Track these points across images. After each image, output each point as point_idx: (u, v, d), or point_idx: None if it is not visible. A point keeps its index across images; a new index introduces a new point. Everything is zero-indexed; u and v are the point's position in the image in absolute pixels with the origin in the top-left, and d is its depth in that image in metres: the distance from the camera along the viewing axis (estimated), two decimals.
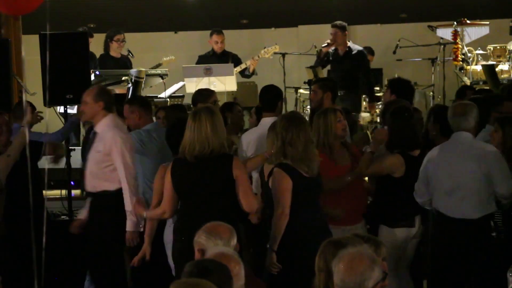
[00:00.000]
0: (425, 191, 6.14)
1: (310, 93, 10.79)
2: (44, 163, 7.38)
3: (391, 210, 6.46)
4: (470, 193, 5.97)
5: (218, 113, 5.60)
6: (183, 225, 5.54)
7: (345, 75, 10.56)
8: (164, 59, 11.18)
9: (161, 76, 10.87)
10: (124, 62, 11.15)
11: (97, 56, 11.20)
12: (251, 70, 11.04)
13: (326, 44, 10.75)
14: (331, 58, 10.85)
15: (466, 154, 6.00)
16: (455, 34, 11.69)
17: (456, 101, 7.85)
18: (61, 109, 9.75)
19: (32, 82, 9.03)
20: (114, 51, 11.17)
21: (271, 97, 7.13)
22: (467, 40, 11.86)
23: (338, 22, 10.82)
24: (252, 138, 6.97)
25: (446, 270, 6.07)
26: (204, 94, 7.91)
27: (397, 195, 6.43)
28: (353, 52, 10.72)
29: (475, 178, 5.96)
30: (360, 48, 10.85)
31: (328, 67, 11.25)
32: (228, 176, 5.49)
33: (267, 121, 6.80)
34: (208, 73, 9.84)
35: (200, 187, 5.51)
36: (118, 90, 10.27)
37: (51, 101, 8.45)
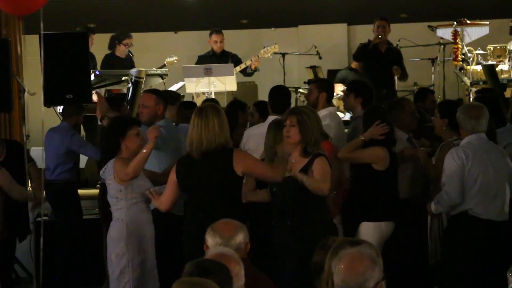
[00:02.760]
0: (459, 195, 6.04)
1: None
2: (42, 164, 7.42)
3: (373, 204, 6.45)
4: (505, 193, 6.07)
5: (222, 110, 5.67)
6: (192, 223, 5.57)
7: (386, 73, 10.39)
8: (168, 59, 11.18)
9: (161, 76, 10.88)
10: (129, 62, 11.16)
11: (96, 56, 11.19)
12: (253, 68, 11.03)
13: (380, 36, 10.44)
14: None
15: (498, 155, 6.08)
16: (455, 34, 11.68)
17: (417, 104, 7.92)
18: (60, 109, 9.77)
19: (32, 82, 9.02)
20: (120, 52, 11.19)
21: (284, 99, 7.18)
22: (467, 40, 11.85)
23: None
24: (254, 133, 7.01)
25: (477, 274, 6.00)
26: (174, 97, 7.97)
27: (379, 189, 6.42)
28: (392, 50, 10.61)
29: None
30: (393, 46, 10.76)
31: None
32: (232, 170, 5.51)
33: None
34: (208, 73, 9.84)
35: (205, 183, 5.52)
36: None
37: (49, 101, 8.48)
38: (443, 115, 6.72)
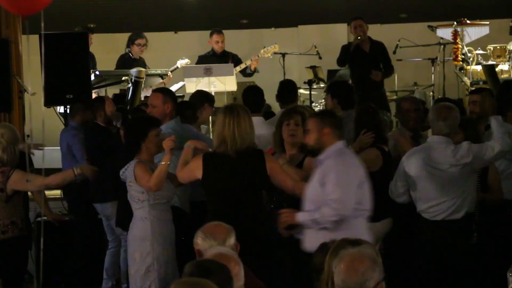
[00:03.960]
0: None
1: (310, 93, 10.86)
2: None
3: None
4: None
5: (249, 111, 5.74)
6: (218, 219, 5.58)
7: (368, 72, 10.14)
8: (180, 62, 11.17)
9: (161, 76, 10.88)
10: (143, 63, 11.15)
11: (96, 56, 11.19)
12: (252, 68, 11.03)
13: (359, 37, 10.21)
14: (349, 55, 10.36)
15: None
16: (455, 34, 11.68)
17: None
18: (61, 109, 9.77)
19: (32, 82, 9.02)
20: (135, 53, 11.19)
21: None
22: (467, 40, 11.86)
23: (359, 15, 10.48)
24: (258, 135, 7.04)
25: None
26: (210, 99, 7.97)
27: (375, 188, 6.43)
28: (376, 45, 10.38)
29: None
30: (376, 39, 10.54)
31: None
32: (264, 170, 5.55)
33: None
34: (208, 73, 9.82)
35: (237, 181, 5.55)
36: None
37: (50, 101, 8.49)
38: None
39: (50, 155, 8.44)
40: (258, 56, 11.06)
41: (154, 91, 7.51)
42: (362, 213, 5.40)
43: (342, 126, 6.01)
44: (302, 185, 5.58)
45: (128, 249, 6.14)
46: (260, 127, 6.88)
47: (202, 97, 7.86)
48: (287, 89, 7.68)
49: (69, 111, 8.71)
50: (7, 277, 6.37)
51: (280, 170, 5.67)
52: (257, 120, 6.96)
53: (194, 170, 5.67)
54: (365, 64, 10.18)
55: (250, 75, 11.15)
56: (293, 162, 5.98)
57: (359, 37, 10.20)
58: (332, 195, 5.24)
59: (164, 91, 7.18)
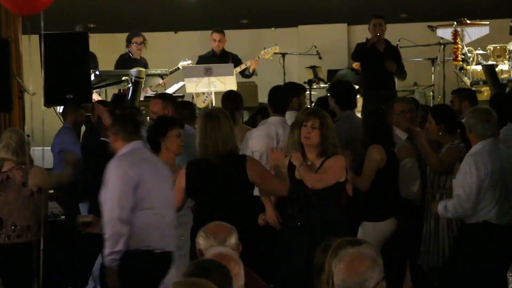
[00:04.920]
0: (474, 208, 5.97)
1: (310, 93, 10.85)
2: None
3: (375, 204, 6.44)
4: None
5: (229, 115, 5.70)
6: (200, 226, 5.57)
7: (386, 72, 10.12)
8: (182, 63, 11.16)
9: (161, 76, 10.88)
10: (144, 64, 11.13)
11: (97, 55, 11.19)
12: (251, 70, 11.03)
13: (378, 34, 10.18)
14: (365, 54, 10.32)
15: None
16: (455, 34, 11.68)
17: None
18: (61, 109, 9.78)
19: (32, 82, 9.02)
20: (134, 52, 11.18)
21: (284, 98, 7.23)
22: (467, 40, 11.86)
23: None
24: (258, 134, 6.97)
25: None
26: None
27: (380, 187, 6.41)
28: (391, 48, 10.41)
29: None
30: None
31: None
32: (246, 176, 5.51)
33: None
34: (208, 73, 9.82)
35: (220, 187, 5.52)
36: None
37: (50, 101, 8.50)
38: (439, 121, 6.67)
39: (50, 155, 8.47)
40: (258, 57, 11.06)
41: (153, 97, 7.52)
42: None
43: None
44: (285, 185, 5.62)
45: None
46: (281, 126, 6.87)
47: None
48: (282, 98, 7.51)
49: (62, 112, 8.74)
50: (14, 279, 6.41)
51: (266, 173, 5.63)
52: (278, 120, 6.93)
53: (180, 182, 5.62)
54: (377, 63, 10.16)
55: (249, 76, 11.15)
56: (312, 167, 5.91)
57: (378, 34, 10.18)
58: None
59: (162, 97, 7.18)
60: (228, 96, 7.60)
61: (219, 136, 5.46)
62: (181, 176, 5.63)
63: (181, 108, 7.63)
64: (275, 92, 7.27)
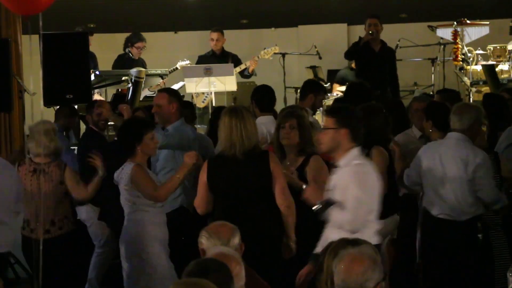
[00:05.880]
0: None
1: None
2: None
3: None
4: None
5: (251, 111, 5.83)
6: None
7: (380, 73, 10.17)
8: (180, 63, 11.16)
9: (161, 76, 10.88)
10: (142, 64, 11.13)
11: (97, 55, 11.19)
12: (250, 71, 11.02)
13: (371, 32, 10.27)
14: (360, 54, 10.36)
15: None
16: (455, 34, 11.68)
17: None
18: None
19: (32, 82, 9.02)
20: (134, 54, 11.19)
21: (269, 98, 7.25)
22: (467, 40, 11.86)
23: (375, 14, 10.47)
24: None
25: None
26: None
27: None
28: (387, 49, 10.44)
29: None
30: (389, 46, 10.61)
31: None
32: (268, 171, 5.56)
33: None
34: (208, 73, 9.81)
35: (245, 183, 5.55)
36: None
37: (49, 101, 8.49)
38: (428, 117, 6.75)
39: None
40: (258, 57, 11.05)
41: (159, 91, 7.50)
42: None
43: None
44: (290, 200, 5.60)
45: (121, 252, 6.12)
46: (272, 126, 6.89)
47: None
48: (268, 98, 7.52)
49: (55, 114, 8.70)
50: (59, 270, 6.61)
51: (279, 174, 5.63)
52: (268, 119, 7.06)
53: (203, 174, 5.66)
54: (371, 62, 10.20)
55: (248, 77, 11.14)
56: (293, 165, 5.98)
57: (370, 32, 10.23)
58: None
59: (169, 91, 7.16)
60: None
61: (245, 132, 5.53)
62: (203, 171, 5.69)
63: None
64: (259, 92, 7.34)
